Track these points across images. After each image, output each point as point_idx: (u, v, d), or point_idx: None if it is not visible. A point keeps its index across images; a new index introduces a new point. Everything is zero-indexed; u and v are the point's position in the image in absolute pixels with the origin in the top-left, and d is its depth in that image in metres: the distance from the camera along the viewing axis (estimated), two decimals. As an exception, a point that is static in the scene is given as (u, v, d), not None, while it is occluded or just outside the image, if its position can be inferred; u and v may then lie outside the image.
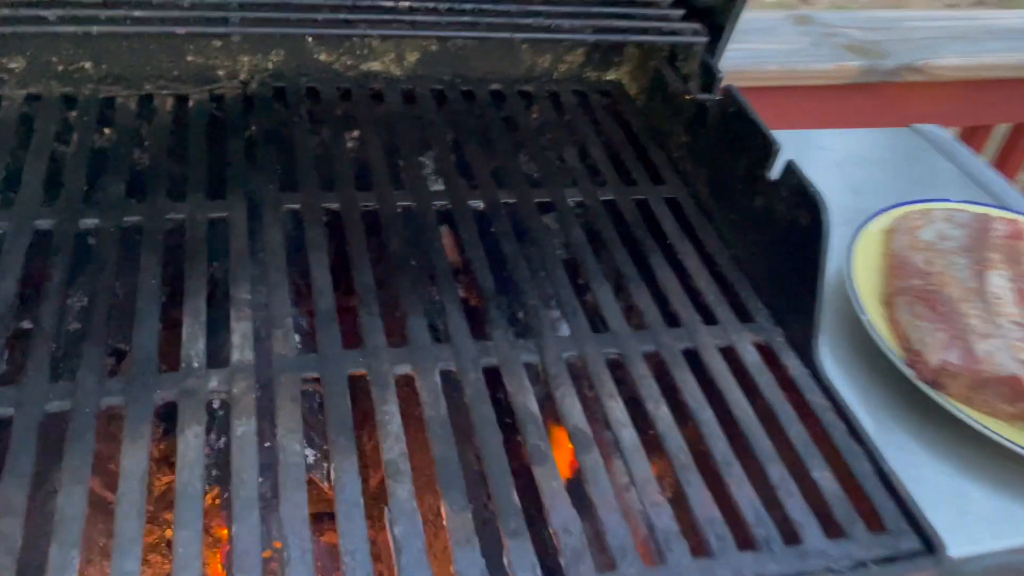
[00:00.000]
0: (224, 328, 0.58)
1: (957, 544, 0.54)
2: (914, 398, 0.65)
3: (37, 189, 0.63)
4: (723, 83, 0.74)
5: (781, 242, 0.65)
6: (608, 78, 0.89)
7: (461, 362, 0.57)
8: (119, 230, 0.61)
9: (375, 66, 0.81)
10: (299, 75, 0.79)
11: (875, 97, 1.21)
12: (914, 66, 1.23)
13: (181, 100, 0.74)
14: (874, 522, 0.52)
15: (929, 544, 0.51)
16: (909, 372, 0.65)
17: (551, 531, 0.48)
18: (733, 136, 0.71)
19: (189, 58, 0.76)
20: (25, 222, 0.60)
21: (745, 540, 0.50)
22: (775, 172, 0.66)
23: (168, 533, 0.74)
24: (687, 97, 0.76)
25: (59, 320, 0.54)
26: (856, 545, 0.50)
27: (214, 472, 0.58)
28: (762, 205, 0.67)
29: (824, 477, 0.54)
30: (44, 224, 0.61)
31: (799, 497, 0.52)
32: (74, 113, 0.71)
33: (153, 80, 0.75)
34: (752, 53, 1.19)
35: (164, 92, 0.74)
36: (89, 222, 0.61)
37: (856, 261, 0.75)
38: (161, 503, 0.73)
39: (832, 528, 0.51)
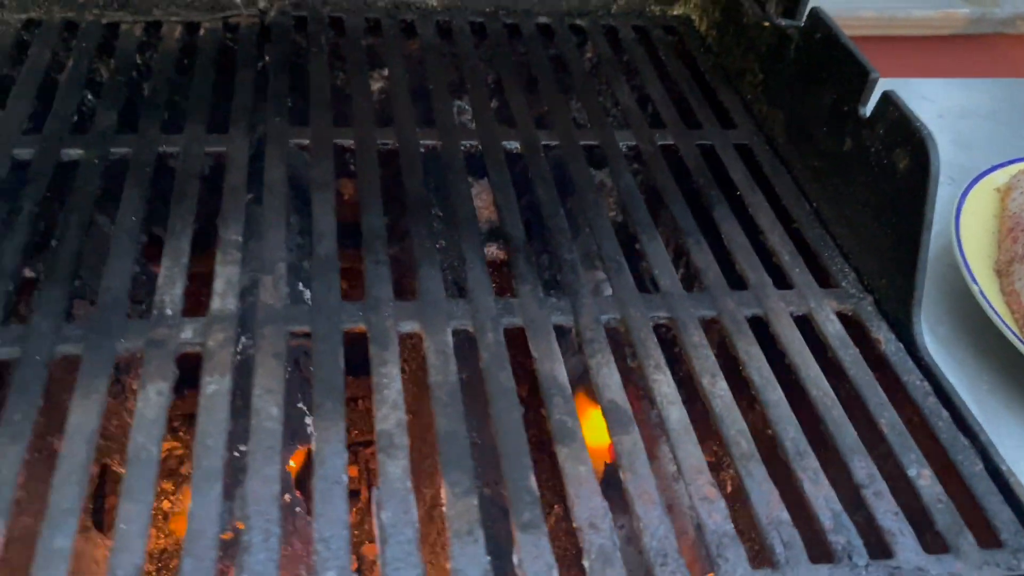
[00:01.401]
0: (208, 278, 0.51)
1: (1094, 567, 0.43)
2: (1036, 384, 0.54)
3: (21, 117, 0.57)
4: (809, 6, 0.62)
5: (874, 192, 0.54)
6: (674, 12, 0.78)
7: (479, 320, 0.48)
8: (104, 162, 0.54)
9: (408, -5, 0.73)
10: (323, 3, 0.71)
11: (987, 50, 1.06)
12: (1032, 14, 1.08)
13: (191, 28, 0.67)
14: (986, 534, 0.41)
15: (1058, 566, 0.40)
16: (1031, 353, 0.53)
17: (574, 526, 0.39)
18: (819, 67, 0.59)
19: (203, -18, 0.68)
20: (3, 151, 0.54)
21: (819, 550, 0.39)
22: (870, 107, 0.55)
23: (165, 504, 0.68)
24: (766, 25, 0.65)
25: (22, 258, 0.48)
26: (963, 562, 0.39)
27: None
28: (852, 147, 0.56)
29: (923, 476, 0.43)
30: (23, 153, 0.54)
31: (890, 500, 0.41)
32: (74, 41, 0.65)
33: (163, 5, 0.68)
34: (842, -3, 1.05)
35: (173, 19, 0.67)
36: (72, 152, 0.55)
37: (965, 223, 0.63)
38: (160, 470, 0.66)
39: (932, 540, 0.40)
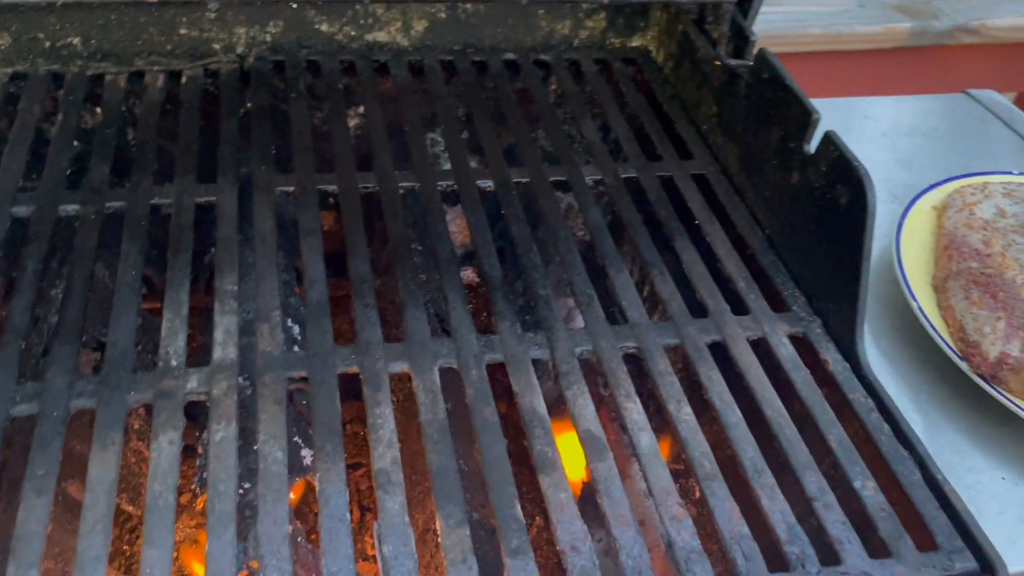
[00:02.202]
0: (207, 323, 0.54)
1: (1020, 562, 0.48)
2: (970, 394, 0.59)
3: (17, 173, 0.59)
4: (757, 47, 0.67)
5: (819, 222, 0.59)
6: (633, 44, 0.83)
7: (463, 358, 0.52)
8: (100, 217, 0.57)
9: (380, 36, 0.76)
10: (299, 47, 0.74)
11: (927, 61, 1.13)
12: (969, 27, 1.14)
13: (174, 76, 0.70)
14: (924, 539, 0.46)
15: (987, 563, 0.45)
16: (964, 365, 0.59)
17: (558, 549, 0.43)
18: (767, 105, 0.64)
19: (182, 31, 0.71)
20: (2, 210, 0.57)
21: (777, 559, 0.44)
22: (813, 144, 0.60)
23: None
24: (717, 63, 0.69)
25: (30, 315, 0.50)
26: (904, 566, 0.44)
27: (205, 475, 0.54)
28: (799, 181, 0.61)
29: (867, 487, 0.48)
30: (21, 211, 0.57)
31: (838, 510, 0.46)
32: (61, 92, 0.67)
33: (145, 55, 0.71)
34: (792, 15, 1.11)
35: (156, 68, 0.70)
36: (69, 208, 0.58)
37: (905, 241, 0.68)
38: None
39: (876, 546, 0.45)
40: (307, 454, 0.56)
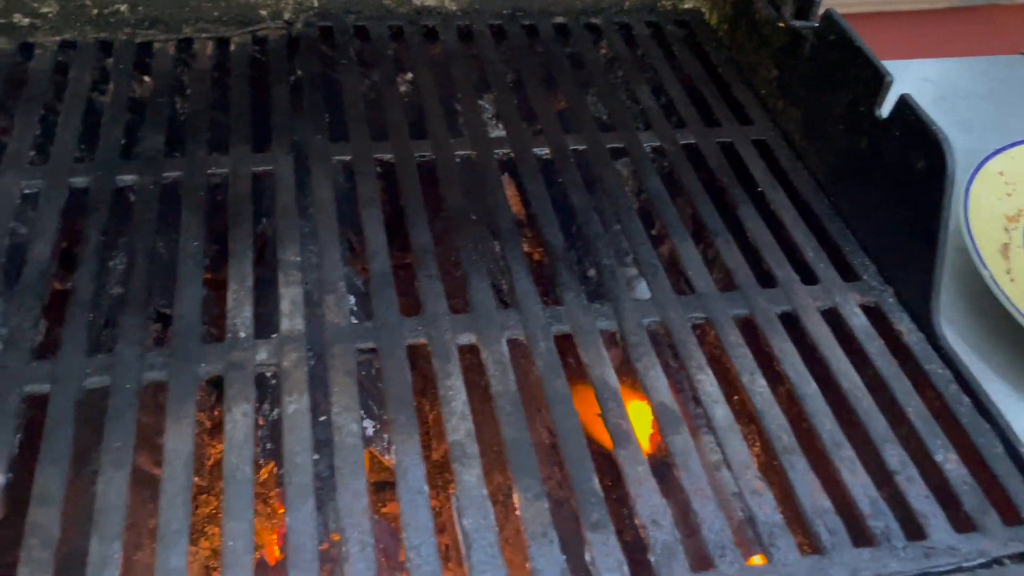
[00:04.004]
0: (272, 293, 0.53)
1: (1105, 537, 0.47)
2: (1046, 365, 0.58)
3: (72, 144, 0.59)
4: (822, 6, 0.65)
5: (892, 190, 0.57)
6: (685, 7, 0.80)
7: (530, 330, 0.51)
8: (158, 187, 0.56)
9: (428, 1, 0.74)
10: (347, 12, 0.73)
11: (983, 22, 1.09)
12: (1024, -15, 1.10)
13: (222, 43, 0.69)
14: (1009, 512, 0.45)
15: (1074, 538, 0.44)
16: (1039, 336, 0.57)
17: (637, 523, 0.43)
18: (834, 68, 0.62)
19: (229, -3, 0.70)
20: (60, 180, 0.56)
21: (860, 534, 0.43)
22: (886, 109, 0.58)
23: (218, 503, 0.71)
24: (781, 25, 0.67)
25: (96, 286, 0.50)
26: (989, 540, 0.43)
27: (268, 445, 0.54)
28: (868, 147, 0.59)
29: (949, 460, 0.47)
30: (79, 182, 0.56)
31: (921, 484, 0.45)
32: (110, 60, 0.66)
33: (192, 22, 0.70)
34: (840, -24, 1.07)
35: (204, 35, 0.69)
36: (126, 178, 0.57)
37: (973, 208, 0.66)
38: (217, 472, 0.70)
39: (961, 520, 0.44)
40: (368, 425, 0.56)
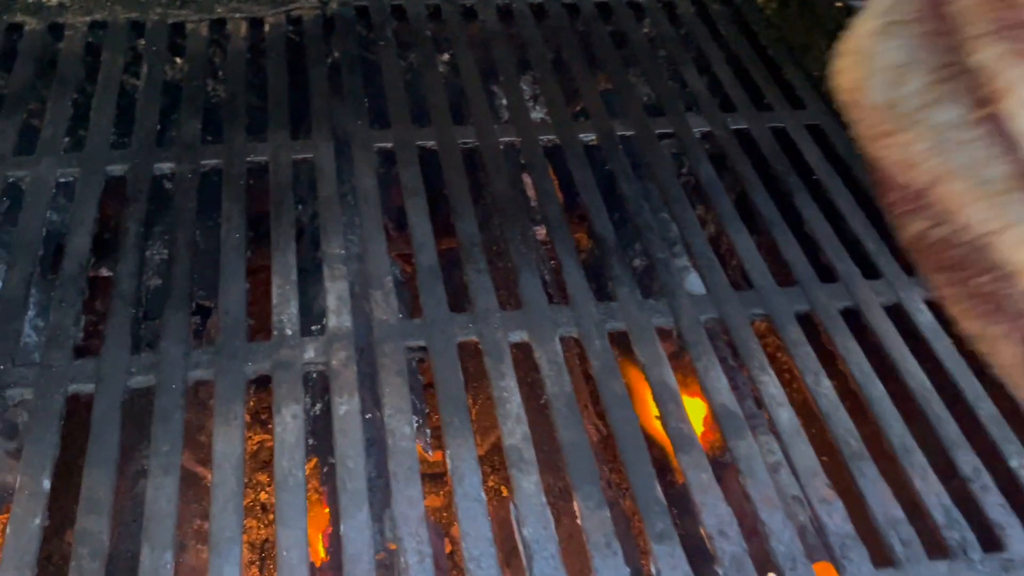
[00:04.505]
0: (317, 286, 0.52)
1: None
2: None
3: (107, 129, 0.57)
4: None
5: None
6: (731, -17, 0.77)
7: (584, 327, 0.49)
8: (197, 175, 0.55)
9: (467, -22, 0.72)
10: (383, -10, 0.70)
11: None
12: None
13: (256, 24, 0.67)
14: (1088, 523, 0.43)
15: None
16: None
17: (703, 533, 0.41)
18: (897, 50, 0.59)
19: (262, -25, 0.67)
20: (96, 167, 0.54)
21: (935, 545, 0.42)
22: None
23: (263, 496, 0.70)
24: (838, 3, 0.64)
25: (138, 280, 0.49)
26: (1069, 552, 0.42)
27: (310, 441, 0.53)
28: (934, 134, 0.56)
29: (1024, 467, 0.45)
30: (116, 169, 0.55)
31: (996, 492, 0.44)
32: (142, 41, 0.64)
33: (225, 2, 0.67)
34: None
35: (237, 15, 0.66)
36: (164, 166, 0.55)
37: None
38: (254, 463, 0.69)
39: (1039, 531, 0.43)
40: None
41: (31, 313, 0.51)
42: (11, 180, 0.53)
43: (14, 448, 0.49)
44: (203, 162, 0.56)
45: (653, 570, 0.40)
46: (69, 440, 0.44)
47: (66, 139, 0.56)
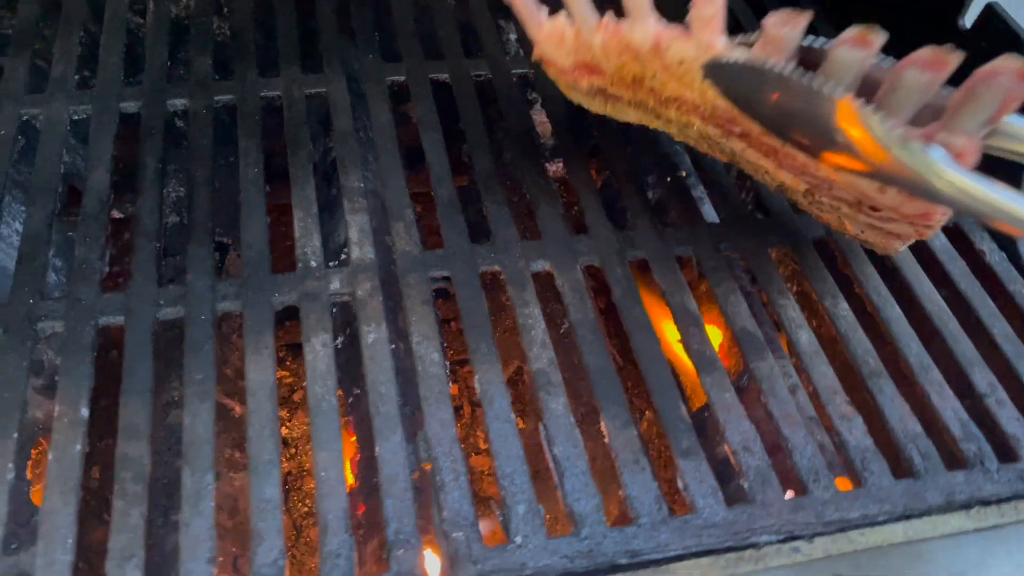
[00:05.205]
0: (338, 220, 0.52)
1: None
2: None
3: (117, 67, 0.56)
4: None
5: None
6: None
7: (604, 255, 0.50)
8: (211, 111, 0.54)
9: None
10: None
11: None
12: None
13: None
14: (1099, 434, 0.44)
15: None
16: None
17: (727, 449, 0.42)
18: (912, -25, 0.59)
19: (265, -94, 0.66)
20: (109, 104, 0.54)
21: (952, 457, 0.43)
22: (969, 18, 0.55)
23: (283, 431, 0.72)
24: (853, -72, 0.63)
25: (159, 215, 0.49)
26: (1081, 462, 0.43)
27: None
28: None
29: (1037, 382, 0.46)
30: (129, 107, 0.54)
31: (1011, 406, 0.45)
32: (145, -23, 0.63)
33: (227, -65, 0.66)
34: None
35: (241, -51, 0.65)
36: (178, 102, 0.55)
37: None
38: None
39: (1051, 443, 0.44)
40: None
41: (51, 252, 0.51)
42: (25, 118, 0.53)
43: (41, 385, 0.49)
44: (216, 98, 0.55)
45: (680, 485, 0.41)
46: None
47: (76, 77, 0.56)
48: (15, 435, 0.39)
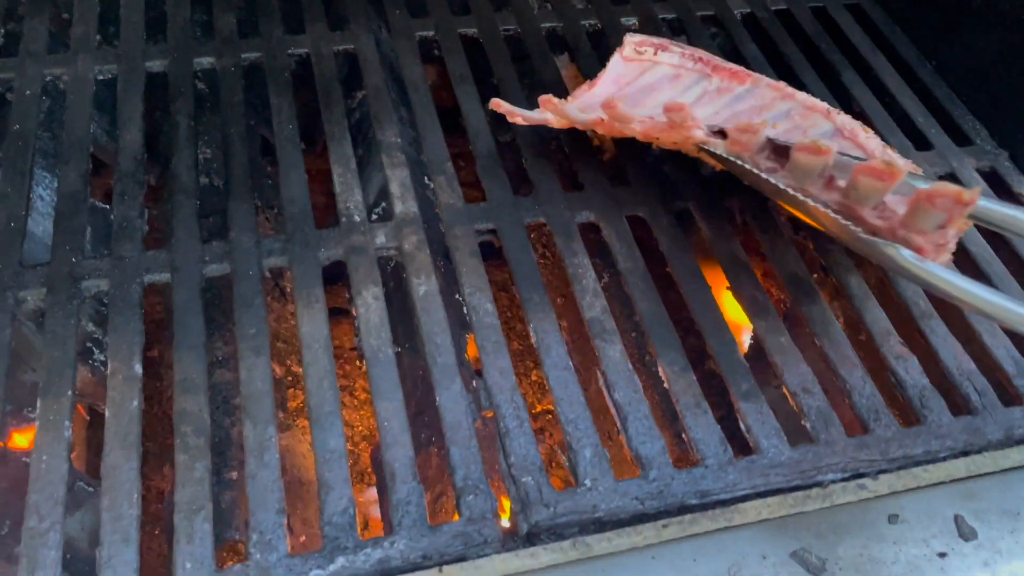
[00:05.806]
0: (373, 175, 0.51)
1: None
2: None
3: (139, 25, 0.55)
4: None
5: (1006, 47, 0.54)
6: None
7: (651, 206, 0.49)
8: (239, 68, 0.53)
9: None
10: None
11: None
12: None
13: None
14: None
15: None
16: None
17: (787, 392, 0.42)
18: (943, -81, 0.58)
19: None
20: (135, 63, 0.53)
21: (1007, 394, 0.43)
22: (1004, -40, 0.54)
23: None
24: None
25: (195, 172, 0.48)
26: None
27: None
28: (982, 5, 0.56)
29: (1084, 320, 0.46)
30: (155, 65, 0.53)
31: (1061, 344, 0.45)
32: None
33: None
34: None
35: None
36: (205, 61, 0.53)
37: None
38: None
39: (1102, 378, 0.44)
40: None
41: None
42: (49, 79, 0.51)
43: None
44: (244, 56, 0.54)
45: (743, 427, 0.41)
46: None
47: (97, 36, 0.54)
48: (69, 393, 0.39)
